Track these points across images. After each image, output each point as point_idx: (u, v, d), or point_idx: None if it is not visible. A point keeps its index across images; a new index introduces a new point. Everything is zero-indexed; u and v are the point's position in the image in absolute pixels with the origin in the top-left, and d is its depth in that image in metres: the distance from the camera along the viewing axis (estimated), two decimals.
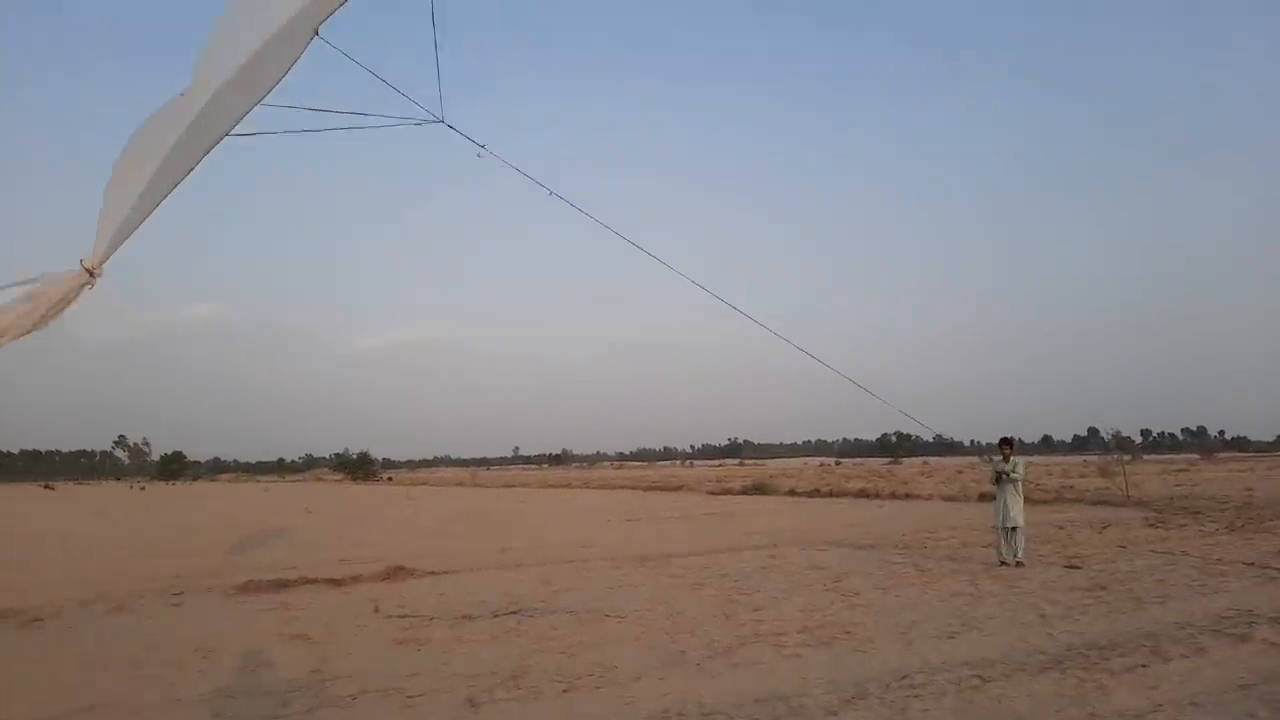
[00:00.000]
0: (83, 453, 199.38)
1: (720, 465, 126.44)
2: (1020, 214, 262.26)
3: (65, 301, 3.71)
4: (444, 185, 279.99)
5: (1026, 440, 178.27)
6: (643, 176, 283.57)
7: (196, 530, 25.58)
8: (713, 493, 38.61)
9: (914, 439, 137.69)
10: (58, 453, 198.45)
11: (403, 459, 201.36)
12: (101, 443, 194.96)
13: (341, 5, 3.92)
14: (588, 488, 50.74)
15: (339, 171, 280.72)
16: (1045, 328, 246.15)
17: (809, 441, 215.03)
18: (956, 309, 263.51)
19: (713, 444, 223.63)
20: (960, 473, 44.55)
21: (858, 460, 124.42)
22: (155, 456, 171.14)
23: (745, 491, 37.43)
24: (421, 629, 8.94)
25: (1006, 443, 13.78)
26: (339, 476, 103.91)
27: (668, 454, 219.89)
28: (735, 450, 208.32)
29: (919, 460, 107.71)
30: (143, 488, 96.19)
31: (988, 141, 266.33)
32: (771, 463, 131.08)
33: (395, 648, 8.10)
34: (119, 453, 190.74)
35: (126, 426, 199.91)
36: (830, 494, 34.18)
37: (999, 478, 13.34)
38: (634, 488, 47.01)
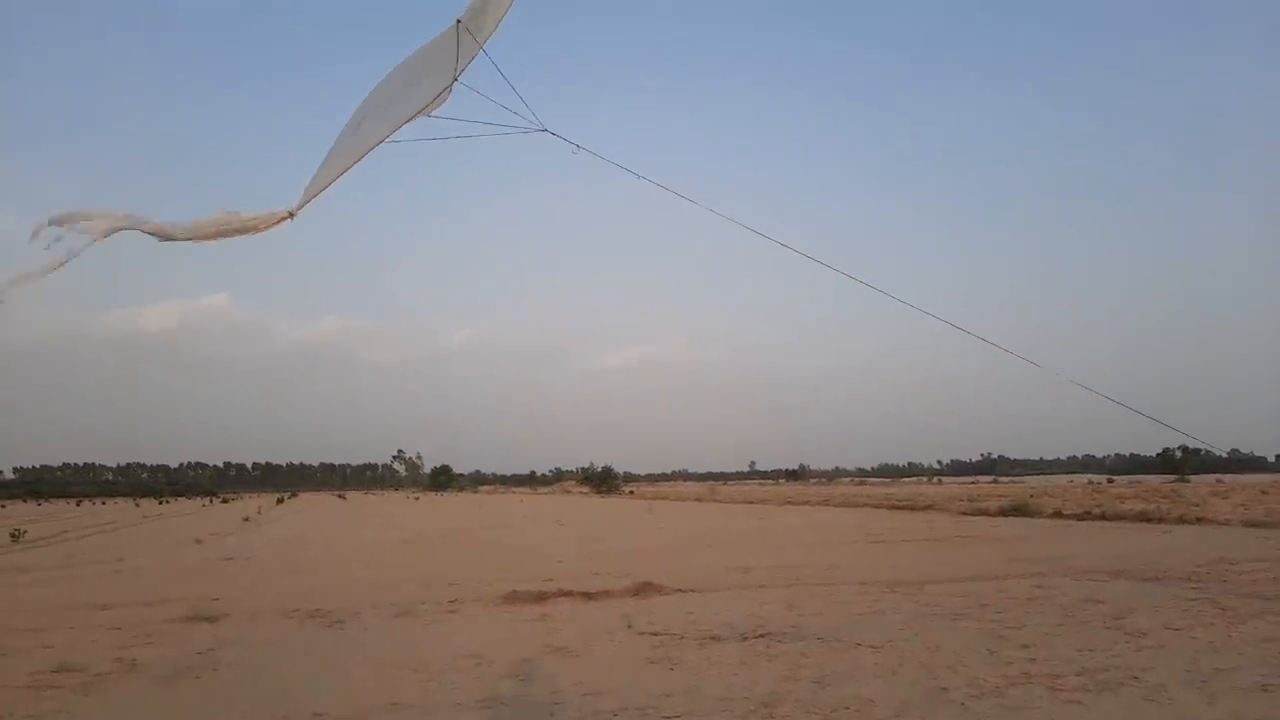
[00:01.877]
0: (368, 465, 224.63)
1: (973, 482, 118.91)
2: None
3: (264, 223, 5.48)
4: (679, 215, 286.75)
5: None
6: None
7: (463, 538, 27.83)
8: (965, 513, 36.29)
9: (1203, 453, 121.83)
10: (348, 465, 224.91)
11: (642, 472, 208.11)
12: (383, 456, 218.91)
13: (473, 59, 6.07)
14: (828, 505, 49.56)
15: (572, 206, 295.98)
16: None
17: (1074, 457, 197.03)
18: (1252, 301, 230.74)
19: (964, 459, 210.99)
20: (1265, 493, 38.71)
21: (1134, 478, 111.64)
22: (427, 469, 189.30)
23: (1003, 512, 34.80)
24: (672, 648, 9.08)
25: None
26: (584, 489, 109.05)
27: (913, 470, 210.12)
28: (989, 466, 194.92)
29: (1210, 478, 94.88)
30: (417, 498, 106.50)
31: None
32: (1031, 480, 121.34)
33: (648, 666, 8.28)
34: (397, 465, 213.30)
35: (404, 441, 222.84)
36: (1103, 516, 30.93)
37: None
38: (877, 506, 45.27)
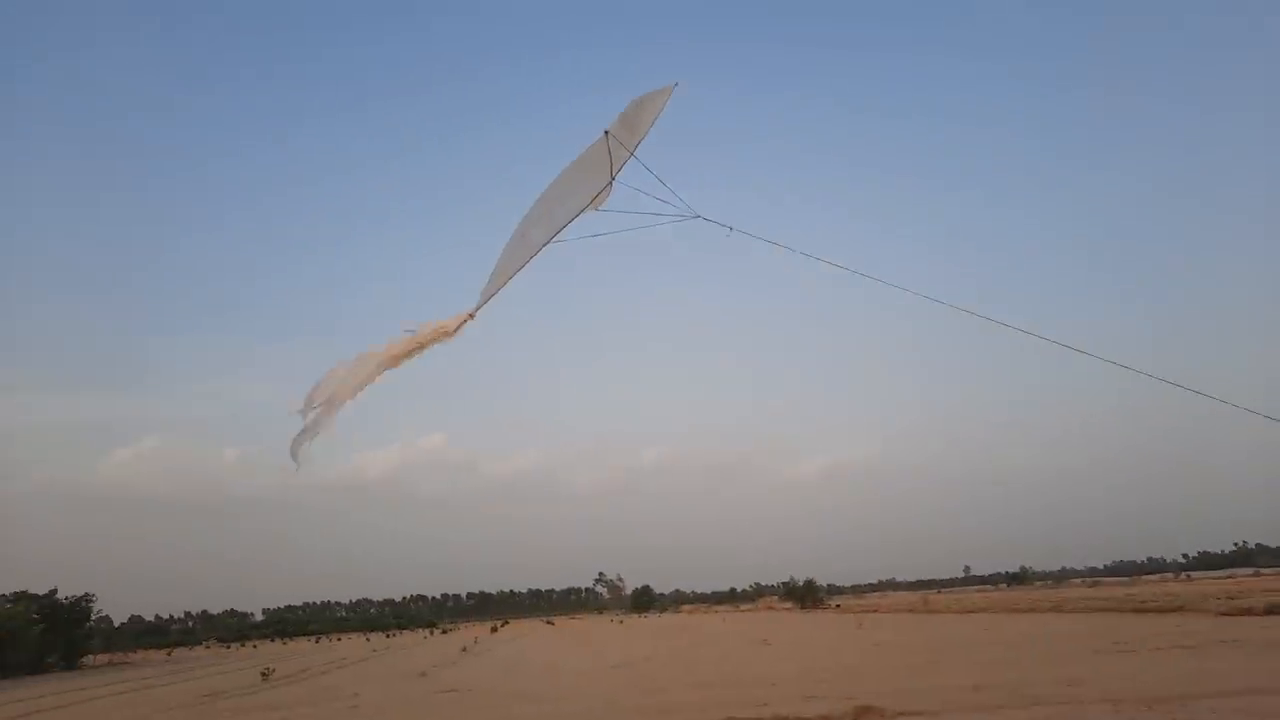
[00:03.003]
0: (572, 589, 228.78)
1: (1228, 577, 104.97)
2: None
3: (449, 331, 6.22)
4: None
5: None
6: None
7: (671, 661, 27.55)
8: (1225, 613, 31.97)
9: None
10: (554, 590, 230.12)
11: (847, 584, 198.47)
12: (586, 579, 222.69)
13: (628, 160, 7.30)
14: (1058, 611, 45.07)
15: (740, 307, 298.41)
16: None
17: None
18: None
19: (1214, 550, 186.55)
20: None
21: None
22: (629, 590, 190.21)
23: (1272, 610, 30.37)
24: None
25: None
26: (788, 604, 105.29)
27: (1153, 566, 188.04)
28: (1245, 557, 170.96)
29: None
30: (621, 620, 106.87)
31: None
32: None
33: None
34: (600, 588, 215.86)
35: (605, 564, 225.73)
36: None
37: None
38: (1116, 610, 40.72)
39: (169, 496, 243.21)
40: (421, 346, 6.71)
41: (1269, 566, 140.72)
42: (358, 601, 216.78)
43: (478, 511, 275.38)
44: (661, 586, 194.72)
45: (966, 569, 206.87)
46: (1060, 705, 12.63)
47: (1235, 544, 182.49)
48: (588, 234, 7.86)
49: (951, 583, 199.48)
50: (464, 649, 48.26)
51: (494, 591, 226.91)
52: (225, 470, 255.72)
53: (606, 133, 7.67)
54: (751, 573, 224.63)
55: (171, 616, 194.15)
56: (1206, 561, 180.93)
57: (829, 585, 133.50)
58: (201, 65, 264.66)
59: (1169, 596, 47.28)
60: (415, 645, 64.80)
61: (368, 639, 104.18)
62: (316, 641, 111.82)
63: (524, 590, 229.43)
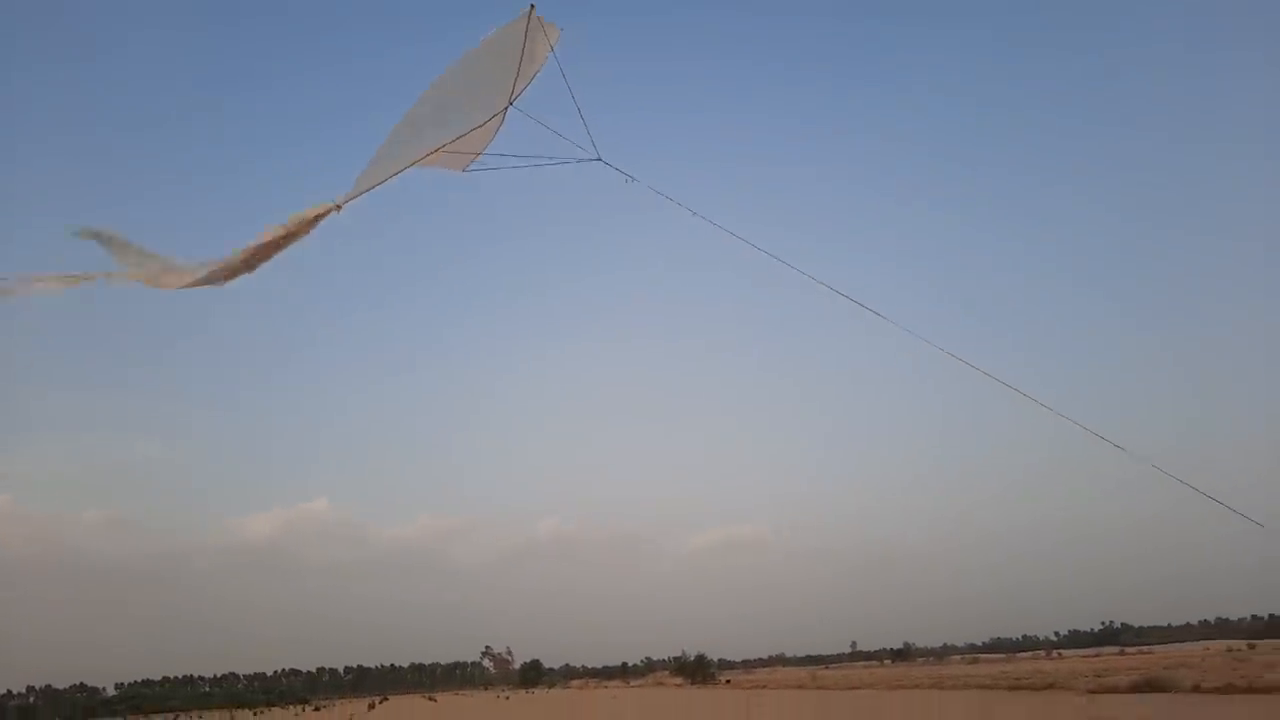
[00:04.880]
0: (457, 664, 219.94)
1: (1096, 655, 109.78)
2: None
3: (313, 221, 5.69)
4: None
5: None
6: None
7: None
8: (1092, 690, 33.53)
9: None
10: (438, 665, 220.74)
11: (738, 658, 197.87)
12: (472, 654, 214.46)
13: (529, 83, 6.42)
14: (939, 688, 46.26)
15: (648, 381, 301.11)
16: None
17: (1206, 621, 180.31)
18: None
19: (1082, 629, 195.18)
20: None
21: (1278, 641, 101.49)
22: (517, 665, 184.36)
23: (1136, 688, 32.03)
24: None
25: None
26: (678, 680, 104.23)
27: (1028, 643, 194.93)
28: (1112, 635, 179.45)
29: None
30: (507, 697, 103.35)
31: None
32: (1160, 649, 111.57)
33: None
34: (486, 662, 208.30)
35: (492, 638, 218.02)
36: (1250, 689, 28.22)
37: None
38: (993, 687, 42.11)
39: (13, 558, 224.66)
40: (289, 236, 6.00)
41: (1132, 644, 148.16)
42: (223, 676, 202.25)
43: (359, 580, 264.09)
44: (552, 660, 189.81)
45: (853, 645, 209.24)
46: None
47: (1103, 622, 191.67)
48: (479, 168, 7.31)
49: (839, 658, 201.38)
50: None
51: (374, 666, 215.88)
52: (82, 531, 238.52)
53: (532, 8, 6.61)
54: (644, 647, 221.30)
55: (10, 692, 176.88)
56: (1076, 639, 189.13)
57: (720, 660, 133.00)
58: None
59: (1041, 674, 49.16)
60: None
61: (232, 716, 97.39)
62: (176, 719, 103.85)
63: (406, 665, 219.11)
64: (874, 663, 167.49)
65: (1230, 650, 76.18)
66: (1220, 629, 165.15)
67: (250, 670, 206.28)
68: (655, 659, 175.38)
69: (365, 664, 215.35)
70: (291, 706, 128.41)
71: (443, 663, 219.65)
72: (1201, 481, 6.79)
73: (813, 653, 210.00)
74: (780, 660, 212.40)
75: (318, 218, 6.04)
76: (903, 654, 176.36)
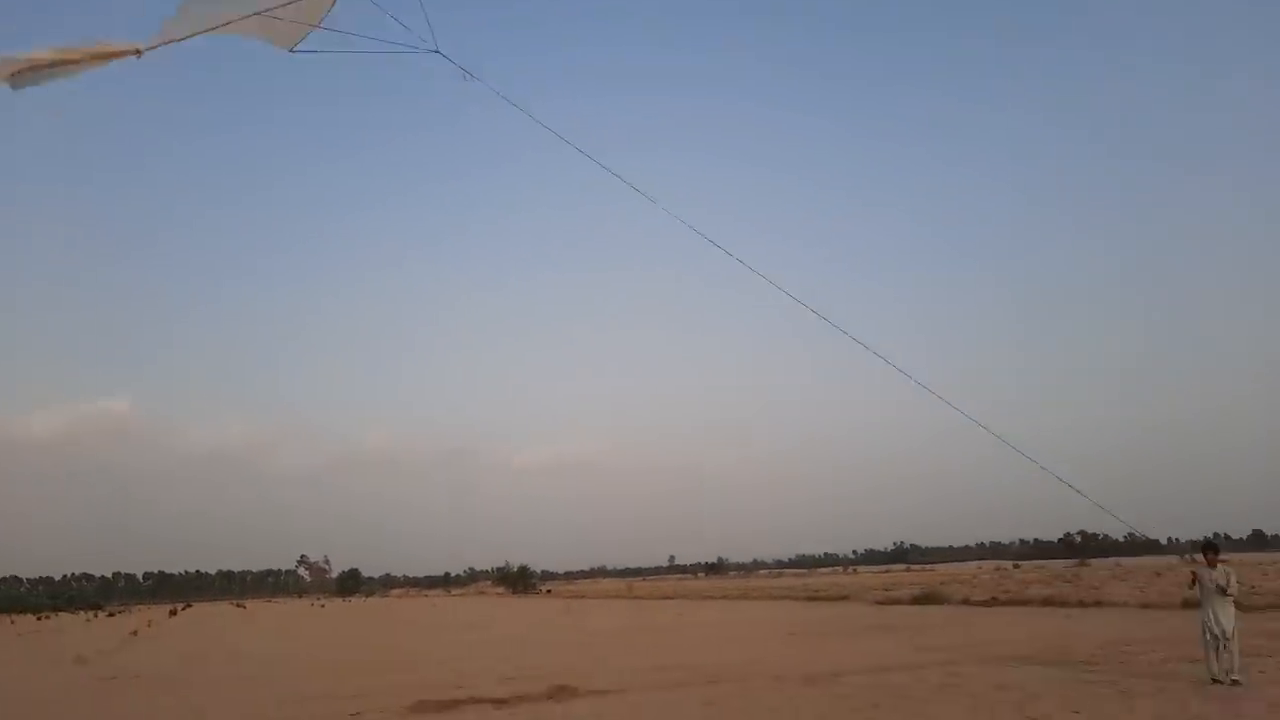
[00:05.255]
0: (270, 572, 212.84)
1: (886, 571, 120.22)
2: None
3: (109, 55, 5.23)
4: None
5: (1234, 536, 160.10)
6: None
7: (369, 647, 26.56)
8: (880, 602, 36.61)
9: (1103, 538, 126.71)
10: (249, 572, 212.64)
11: (561, 570, 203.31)
12: (287, 562, 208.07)
13: None
14: (745, 599, 49.26)
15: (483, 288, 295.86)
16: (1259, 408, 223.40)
17: (982, 543, 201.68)
18: (1154, 389, 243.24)
19: (877, 549, 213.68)
20: (1159, 575, 40.32)
21: (1039, 563, 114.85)
22: (335, 574, 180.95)
23: (915, 600, 35.25)
24: None
25: (1212, 548, 12.38)
26: (500, 590, 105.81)
27: (829, 560, 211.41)
28: (902, 555, 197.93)
29: (1110, 561, 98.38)
30: (323, 605, 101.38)
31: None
32: (941, 567, 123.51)
33: None
34: (302, 571, 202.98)
35: (309, 547, 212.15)
36: (1009, 602, 31.67)
37: (1194, 582, 11.97)
38: (794, 598, 45.24)
39: None
40: (78, 61, 5.29)
41: (919, 562, 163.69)
42: (4, 579, 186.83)
43: (168, 483, 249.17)
44: (372, 570, 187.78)
45: (671, 559, 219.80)
46: (733, 683, 13.70)
47: (895, 543, 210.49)
48: (306, 49, 6.52)
49: (657, 571, 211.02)
50: (134, 633, 43.39)
51: (176, 572, 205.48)
52: None
53: None
54: (468, 558, 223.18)
55: None
56: (872, 557, 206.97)
57: (543, 571, 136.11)
58: None
59: (838, 587, 53.25)
60: (75, 629, 57.15)
61: (13, 622, 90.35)
62: None
63: (213, 571, 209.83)
64: (689, 576, 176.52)
65: (998, 569, 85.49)
66: (993, 551, 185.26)
67: (35, 574, 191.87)
68: (479, 570, 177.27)
69: (167, 570, 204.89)
70: (82, 612, 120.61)
71: (254, 570, 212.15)
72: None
73: (632, 566, 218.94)
74: (601, 572, 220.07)
75: (114, 55, 5.49)
76: (716, 568, 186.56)
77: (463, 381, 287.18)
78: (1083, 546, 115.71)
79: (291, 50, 6.66)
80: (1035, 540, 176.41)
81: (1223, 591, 11.56)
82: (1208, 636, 11.59)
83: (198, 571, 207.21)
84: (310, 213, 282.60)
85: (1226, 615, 11.52)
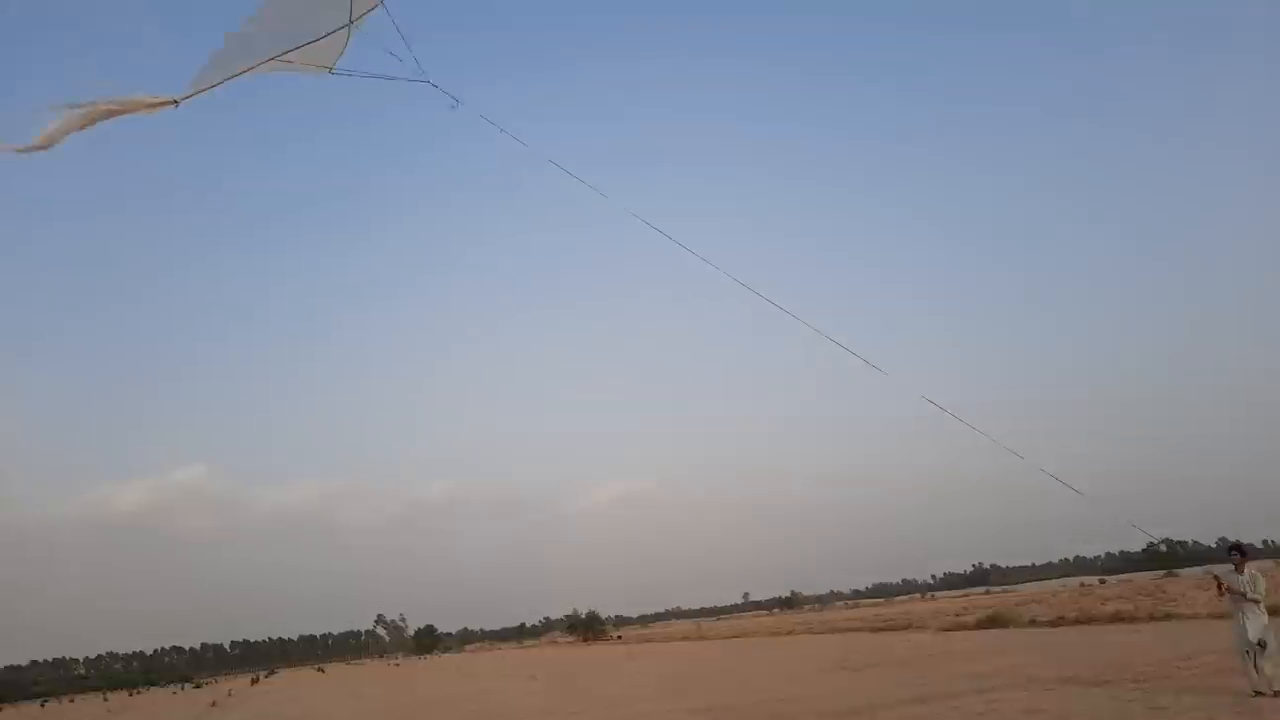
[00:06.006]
0: (350, 633, 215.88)
1: (964, 595, 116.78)
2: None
3: (147, 106, 5.75)
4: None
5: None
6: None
7: (435, 704, 26.99)
8: (945, 629, 35.74)
9: (1190, 544, 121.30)
10: (330, 635, 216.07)
11: (634, 614, 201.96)
12: (365, 622, 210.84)
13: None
14: (812, 632, 48.48)
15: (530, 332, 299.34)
16: None
17: (1067, 560, 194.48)
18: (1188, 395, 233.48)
19: (957, 571, 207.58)
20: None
21: (1125, 576, 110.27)
22: (411, 631, 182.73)
23: (981, 625, 34.35)
24: None
25: (1237, 550, 12.06)
26: (571, 638, 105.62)
27: (907, 587, 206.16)
28: (982, 577, 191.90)
29: (1200, 570, 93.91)
30: (397, 664, 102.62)
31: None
32: (1023, 588, 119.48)
33: None
34: (380, 630, 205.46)
35: (385, 605, 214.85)
36: (1078, 620, 30.67)
37: (1222, 589, 11.66)
38: (861, 629, 44.41)
39: None
40: (116, 112, 5.89)
41: (1000, 584, 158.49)
42: (99, 657, 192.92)
43: (244, 550, 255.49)
44: (447, 625, 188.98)
45: (746, 595, 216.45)
46: None
47: (974, 565, 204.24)
48: (309, 82, 7.19)
49: (731, 609, 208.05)
50: (214, 704, 44.62)
51: (261, 639, 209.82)
52: None
53: None
54: (541, 607, 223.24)
55: None
56: (951, 581, 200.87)
57: (616, 617, 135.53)
58: None
59: (907, 615, 52.08)
60: (164, 702, 58.98)
61: (106, 699, 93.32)
62: (43, 706, 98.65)
63: (295, 637, 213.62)
64: (764, 612, 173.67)
65: (1083, 586, 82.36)
66: (1078, 566, 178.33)
67: (129, 649, 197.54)
68: (554, 618, 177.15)
69: (252, 638, 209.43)
70: (171, 685, 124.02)
71: (334, 633, 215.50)
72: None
73: (707, 605, 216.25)
74: (676, 613, 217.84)
75: (152, 106, 6.05)
76: (790, 602, 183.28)
77: (522, 426, 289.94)
78: (1168, 556, 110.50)
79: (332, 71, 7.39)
80: (1121, 552, 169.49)
81: (1244, 597, 11.27)
82: (1243, 647, 11.27)
83: (280, 638, 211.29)
84: (374, 275, 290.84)
85: (1256, 623, 11.19)
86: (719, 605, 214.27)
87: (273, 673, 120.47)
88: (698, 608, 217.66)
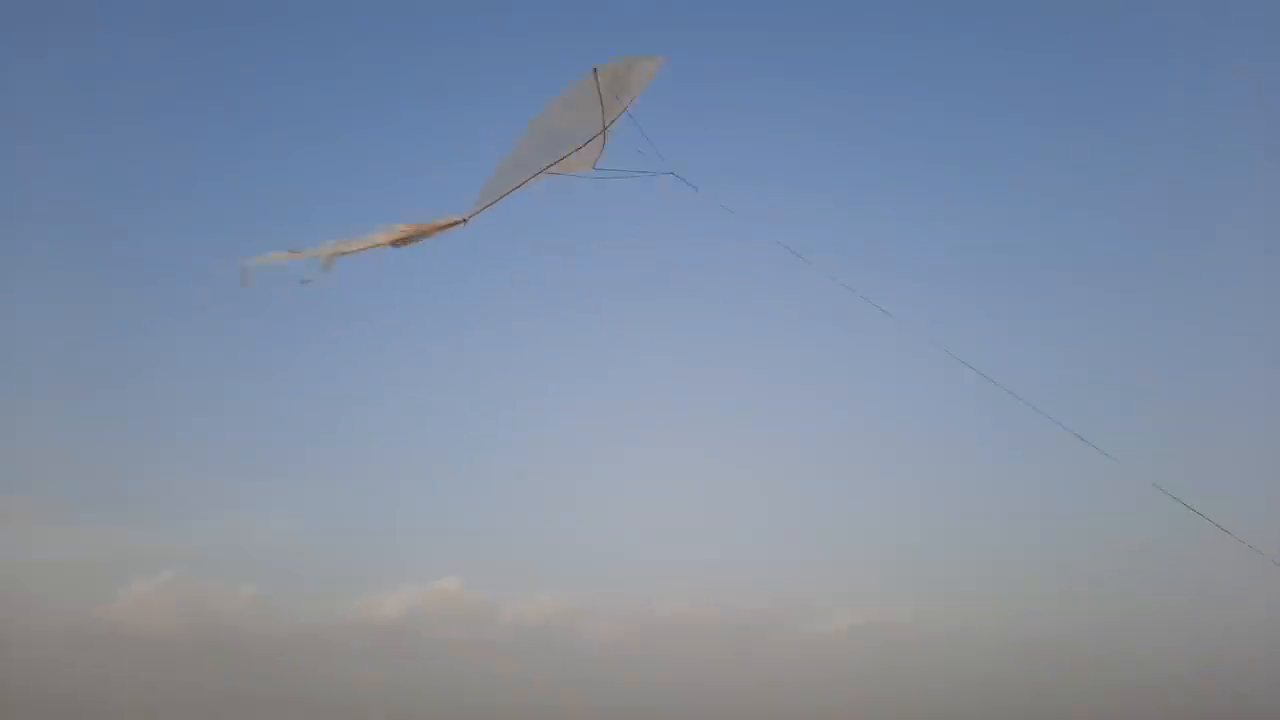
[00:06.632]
0: None
1: None
2: None
3: (437, 229, 6.36)
4: None
5: None
6: None
7: None
8: None
9: None
10: None
11: None
12: None
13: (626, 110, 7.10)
14: None
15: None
16: None
17: None
18: None
19: None
20: None
21: None
22: None
23: None
24: None
25: None
26: None
27: None
28: None
29: None
30: None
31: None
32: None
33: None
34: None
35: None
36: None
37: None
38: None
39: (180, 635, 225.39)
40: (410, 238, 6.54)
41: None
42: None
43: (491, 659, 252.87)
44: None
45: None
46: None
47: None
48: (564, 188, 7.57)
49: None
50: None
51: None
52: (236, 606, 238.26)
53: (595, 69, 7.25)
54: None
55: None
56: None
57: None
58: None
59: None
60: None
61: None
62: None
63: None
64: None
65: None
66: None
67: None
68: None
69: None
70: None
71: None
72: None
73: None
74: None
75: (442, 228, 6.52)
76: None
77: (757, 541, 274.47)
78: None
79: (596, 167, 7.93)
80: None
81: None
82: None
83: None
84: (605, 387, 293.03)
85: None
86: None
87: None
88: None
